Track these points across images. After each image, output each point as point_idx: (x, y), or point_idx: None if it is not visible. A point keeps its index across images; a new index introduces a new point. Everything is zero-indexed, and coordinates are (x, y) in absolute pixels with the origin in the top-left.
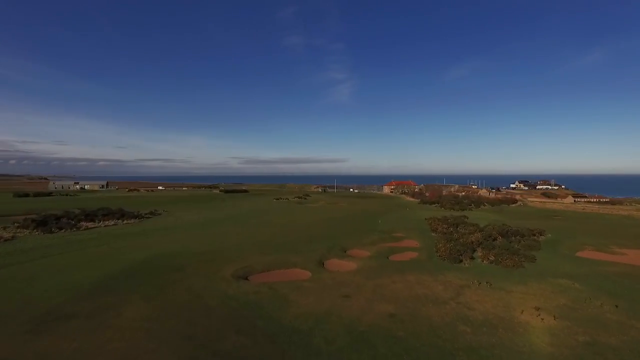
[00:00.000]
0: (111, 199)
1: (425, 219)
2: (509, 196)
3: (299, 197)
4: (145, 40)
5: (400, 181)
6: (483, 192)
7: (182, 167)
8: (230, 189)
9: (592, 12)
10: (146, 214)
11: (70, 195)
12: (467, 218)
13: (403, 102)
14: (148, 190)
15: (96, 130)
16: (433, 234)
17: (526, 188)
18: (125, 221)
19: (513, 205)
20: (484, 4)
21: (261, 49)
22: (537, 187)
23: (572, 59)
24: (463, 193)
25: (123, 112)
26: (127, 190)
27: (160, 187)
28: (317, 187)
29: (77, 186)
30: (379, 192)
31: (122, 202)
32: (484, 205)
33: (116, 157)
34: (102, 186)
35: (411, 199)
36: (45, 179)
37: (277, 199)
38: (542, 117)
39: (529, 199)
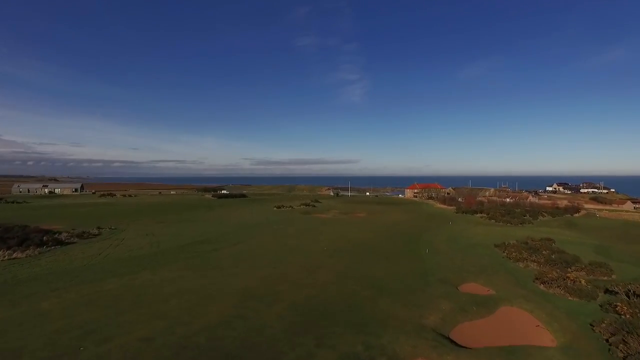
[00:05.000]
0: (61, 208)
1: (495, 245)
2: (570, 204)
3: (305, 205)
4: (158, 41)
5: (426, 184)
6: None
7: (195, 169)
8: (224, 195)
9: (617, 5)
10: (75, 234)
11: (18, 203)
12: (555, 242)
13: (416, 102)
14: (125, 195)
15: (111, 131)
16: (542, 287)
17: (568, 192)
18: (15, 253)
19: (577, 215)
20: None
21: (274, 49)
22: (581, 191)
23: (586, 58)
24: (509, 199)
25: (137, 114)
26: (99, 195)
27: (224, 191)
28: (328, 189)
29: (46, 190)
30: (400, 197)
31: (74, 211)
32: (543, 215)
33: (130, 159)
34: (76, 190)
35: (443, 206)
36: (55, 179)
37: (278, 207)
38: (561, 116)
39: (586, 206)
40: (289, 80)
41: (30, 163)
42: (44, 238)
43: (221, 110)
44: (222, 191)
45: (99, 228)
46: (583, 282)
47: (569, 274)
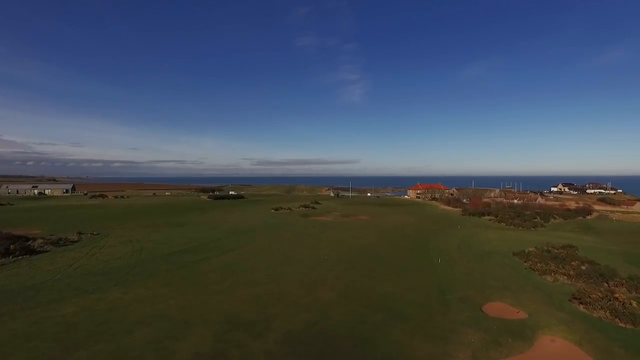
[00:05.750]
0: (45, 210)
1: (514, 253)
2: (579, 205)
3: (304, 206)
4: (158, 41)
5: (429, 184)
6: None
7: (195, 169)
8: (221, 195)
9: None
10: (51, 241)
11: (1, 205)
12: (578, 250)
13: (416, 102)
14: (117, 197)
15: (111, 131)
16: (582, 309)
17: (574, 192)
18: None
19: (590, 217)
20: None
21: (274, 49)
22: (587, 192)
23: (586, 58)
24: (517, 201)
25: (137, 114)
26: (89, 196)
27: (231, 192)
28: (329, 190)
29: (35, 191)
30: (405, 198)
31: (58, 214)
32: (554, 217)
33: (130, 159)
34: (67, 191)
35: (447, 207)
36: (54, 179)
37: (277, 209)
38: (562, 116)
39: (597, 208)
40: (289, 80)
41: (30, 163)
42: (11, 246)
43: (221, 110)
44: (230, 192)
45: (79, 233)
46: (635, 304)
47: (617, 295)
